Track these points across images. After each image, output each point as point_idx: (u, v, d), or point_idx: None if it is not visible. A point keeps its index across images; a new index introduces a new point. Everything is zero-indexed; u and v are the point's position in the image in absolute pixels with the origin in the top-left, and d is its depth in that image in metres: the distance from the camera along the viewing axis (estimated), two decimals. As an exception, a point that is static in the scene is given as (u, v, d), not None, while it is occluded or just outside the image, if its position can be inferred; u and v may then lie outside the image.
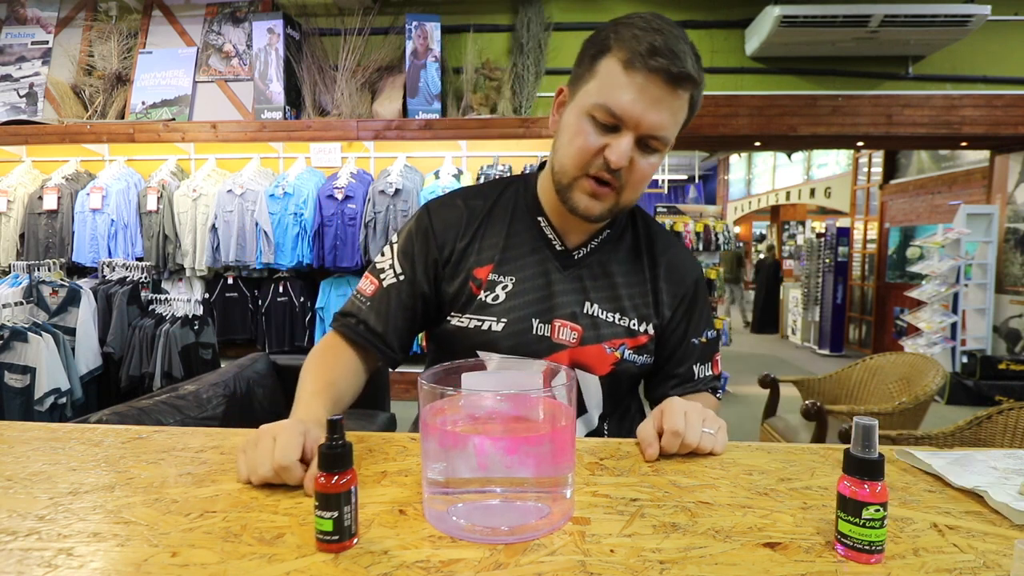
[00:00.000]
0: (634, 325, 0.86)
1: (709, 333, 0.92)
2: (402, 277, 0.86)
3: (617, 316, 0.86)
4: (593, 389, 0.87)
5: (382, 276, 0.86)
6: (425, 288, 0.86)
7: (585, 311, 0.85)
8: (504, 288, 0.84)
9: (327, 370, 0.79)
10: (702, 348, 0.91)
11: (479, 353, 0.84)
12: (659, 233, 0.93)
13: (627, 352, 0.86)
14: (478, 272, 0.85)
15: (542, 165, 0.91)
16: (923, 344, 4.88)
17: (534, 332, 0.83)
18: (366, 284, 0.87)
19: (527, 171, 3.85)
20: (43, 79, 4.35)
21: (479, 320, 0.84)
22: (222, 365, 2.55)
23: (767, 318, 8.72)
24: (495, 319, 0.83)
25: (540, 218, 0.87)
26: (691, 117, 0.79)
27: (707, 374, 0.91)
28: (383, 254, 0.89)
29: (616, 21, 0.76)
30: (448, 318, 0.86)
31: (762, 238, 12.78)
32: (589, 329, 0.84)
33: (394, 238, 0.90)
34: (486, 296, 0.84)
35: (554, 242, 0.87)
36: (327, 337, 0.86)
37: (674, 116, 0.75)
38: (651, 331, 0.88)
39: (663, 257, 0.90)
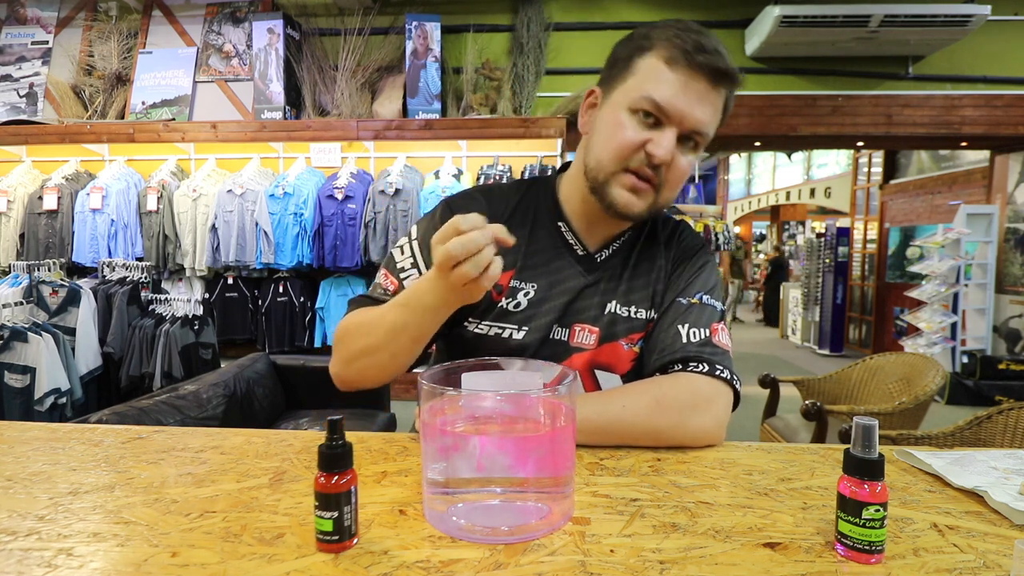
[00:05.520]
0: (651, 315, 0.84)
1: (705, 297, 0.83)
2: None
3: (633, 309, 0.84)
4: None
5: (403, 275, 0.80)
6: None
7: (606, 311, 0.83)
8: (526, 295, 0.82)
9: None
10: (690, 309, 0.81)
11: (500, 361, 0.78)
12: (670, 219, 0.93)
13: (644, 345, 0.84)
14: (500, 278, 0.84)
15: (563, 168, 0.89)
16: (923, 344, 4.88)
17: (552, 336, 0.82)
18: (385, 281, 0.81)
19: (526, 173, 3.86)
20: (43, 79, 4.35)
21: (500, 328, 0.81)
22: (222, 365, 2.55)
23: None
24: (516, 327, 0.81)
25: (561, 223, 0.86)
26: (723, 121, 0.79)
27: (700, 338, 0.78)
28: (402, 251, 0.82)
29: (649, 25, 0.77)
30: (466, 323, 0.83)
31: (762, 238, 12.79)
32: (606, 328, 0.83)
33: (414, 233, 0.83)
34: (508, 303, 0.81)
35: (575, 247, 0.85)
36: (356, 312, 0.78)
37: (716, 114, 0.76)
38: None
39: (673, 238, 0.89)
